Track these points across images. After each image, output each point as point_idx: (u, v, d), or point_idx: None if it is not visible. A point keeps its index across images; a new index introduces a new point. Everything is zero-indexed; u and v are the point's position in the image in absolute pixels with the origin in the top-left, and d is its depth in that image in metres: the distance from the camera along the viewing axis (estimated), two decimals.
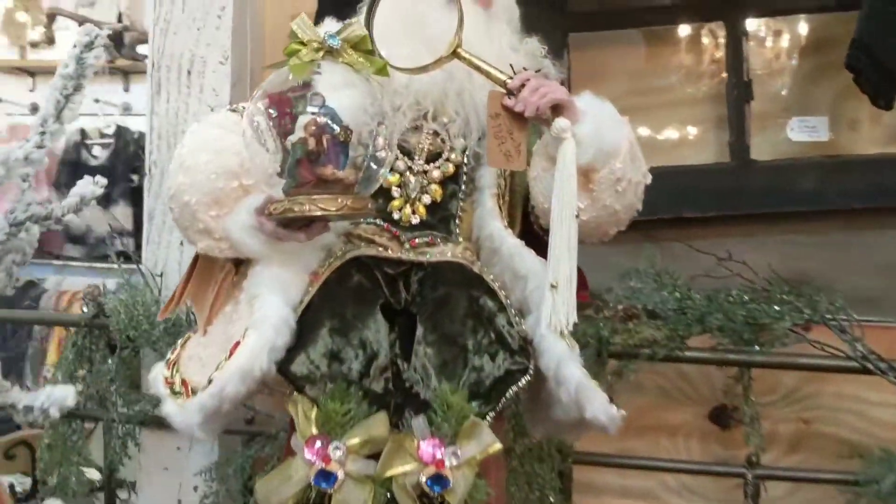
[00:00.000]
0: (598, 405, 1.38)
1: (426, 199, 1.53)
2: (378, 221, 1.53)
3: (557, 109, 1.42)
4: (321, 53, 1.33)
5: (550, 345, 1.40)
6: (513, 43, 1.61)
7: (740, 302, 2.04)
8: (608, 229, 1.54)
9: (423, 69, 1.46)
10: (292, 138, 1.32)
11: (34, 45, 5.26)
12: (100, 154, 4.98)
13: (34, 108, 5.28)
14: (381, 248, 1.51)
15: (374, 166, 1.38)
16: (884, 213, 2.25)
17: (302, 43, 1.33)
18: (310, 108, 1.32)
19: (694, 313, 2.00)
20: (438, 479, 1.28)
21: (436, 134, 1.55)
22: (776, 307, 1.98)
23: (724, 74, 2.35)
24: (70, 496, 2.37)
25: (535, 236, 1.58)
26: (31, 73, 5.29)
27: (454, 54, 1.46)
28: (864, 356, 1.90)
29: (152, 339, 2.19)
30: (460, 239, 1.55)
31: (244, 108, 1.45)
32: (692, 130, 2.36)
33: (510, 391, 1.40)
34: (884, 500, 1.75)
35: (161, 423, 2.30)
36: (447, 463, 1.28)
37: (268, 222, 1.37)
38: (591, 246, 1.58)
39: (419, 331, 1.41)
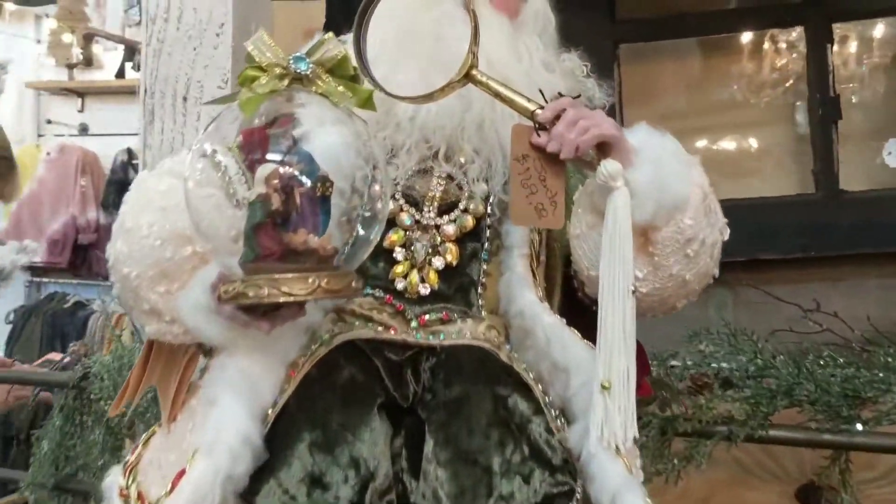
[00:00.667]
0: None
1: (438, 262, 1.20)
2: (377, 293, 1.21)
3: (604, 148, 1.09)
4: (286, 81, 1.01)
5: (603, 467, 1.06)
6: (546, 60, 1.28)
7: (833, 365, 1.68)
8: (675, 303, 1.19)
9: (429, 97, 1.14)
10: (249, 194, 1.00)
11: (71, 66, 5.25)
12: None
13: (83, 129, 5.30)
14: (380, 329, 1.19)
15: (363, 231, 1.05)
16: None
17: (261, 68, 1.01)
18: (273, 155, 1.00)
19: (779, 383, 1.63)
20: None
21: (450, 178, 1.23)
22: (880, 373, 1.61)
23: (805, 89, 1.98)
24: None
25: (581, 306, 1.24)
26: (80, 93, 5.35)
27: (467, 77, 1.13)
28: None
29: (139, 409, 1.90)
30: (483, 313, 1.22)
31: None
32: (767, 156, 2.00)
33: None
34: None
35: None
36: None
37: (226, 306, 1.06)
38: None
39: (429, 445, 1.08)
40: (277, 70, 1.00)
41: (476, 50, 1.12)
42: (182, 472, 1.06)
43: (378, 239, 1.09)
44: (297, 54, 1.01)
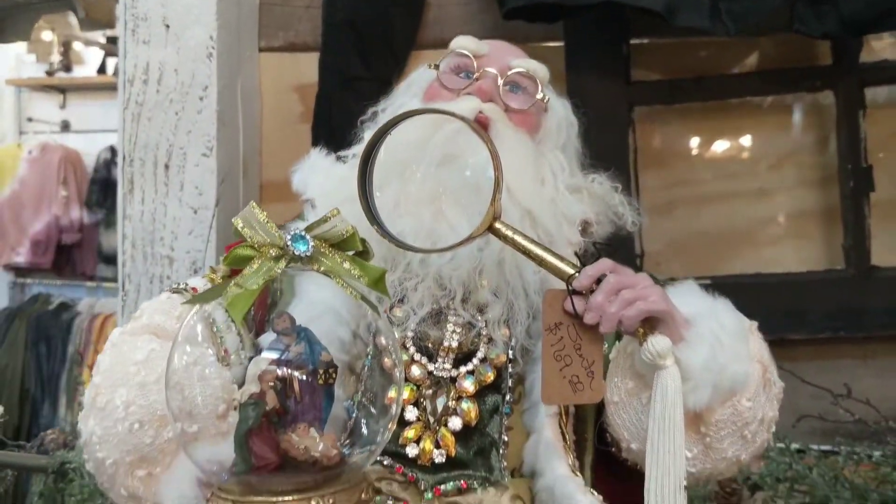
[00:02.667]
0: None
1: (455, 423, 1.06)
2: (385, 460, 1.08)
3: (650, 321, 0.95)
4: (283, 263, 0.86)
5: None
6: (572, 182, 1.14)
7: (867, 459, 1.58)
8: (720, 475, 1.06)
9: (447, 250, 1.00)
10: (239, 395, 0.86)
11: (51, 73, 5.10)
12: None
13: (65, 126, 5.16)
14: (390, 502, 1.06)
15: (373, 419, 0.92)
16: None
17: (253, 248, 0.87)
18: (269, 353, 0.86)
19: (814, 497, 1.52)
20: None
21: (469, 326, 1.09)
22: None
23: (834, 156, 1.85)
24: None
25: (613, 463, 1.11)
26: (61, 90, 5.19)
27: (490, 230, 0.99)
28: None
29: None
30: (506, 478, 1.09)
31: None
32: (794, 229, 1.87)
33: None
34: None
35: None
36: None
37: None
38: None
39: None
40: (272, 252, 0.85)
41: (499, 197, 0.97)
42: None
43: (395, 416, 0.96)
44: (296, 231, 0.86)
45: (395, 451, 1.07)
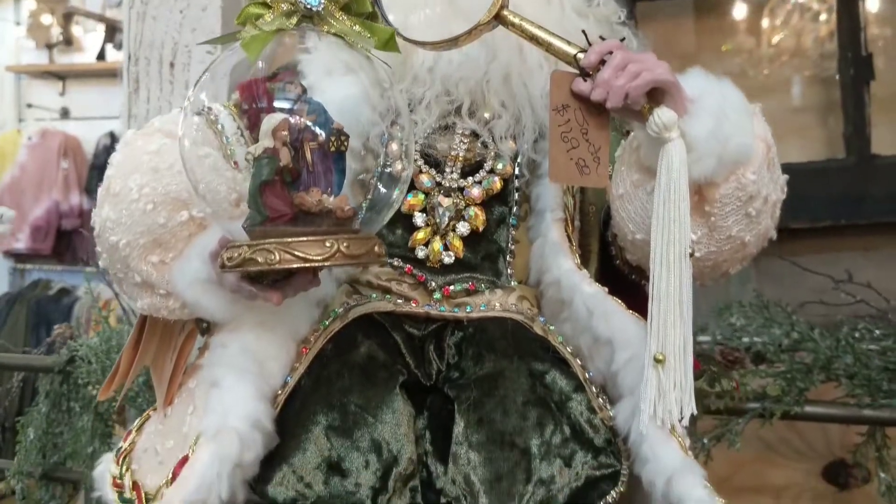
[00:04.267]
0: None
1: (463, 228, 1.08)
2: (396, 262, 1.09)
3: (656, 96, 0.96)
4: (294, 19, 0.88)
5: (656, 447, 0.95)
6: (578, 5, 1.16)
7: (870, 337, 1.59)
8: (729, 268, 1.08)
9: (453, 42, 1.01)
10: (254, 150, 0.87)
11: (50, 46, 5.12)
12: None
13: (64, 113, 5.18)
14: (400, 301, 1.07)
15: (384, 189, 0.94)
16: None
17: (265, 4, 0.88)
18: (281, 103, 0.87)
19: (816, 357, 1.53)
20: None
21: (474, 136, 1.10)
22: None
23: (836, 47, 1.87)
24: None
25: (619, 276, 1.13)
26: (61, 76, 5.20)
27: (497, 19, 1.00)
28: None
29: (130, 393, 1.78)
30: (513, 282, 1.11)
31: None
32: (796, 119, 1.89)
33: None
34: None
35: None
36: None
37: (229, 276, 0.94)
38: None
39: (459, 426, 0.97)
40: (284, 6, 0.87)
41: None
42: (184, 460, 0.95)
43: (402, 200, 0.97)
44: None
45: (405, 254, 1.09)
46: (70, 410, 2.00)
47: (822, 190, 1.82)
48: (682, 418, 0.93)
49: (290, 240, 0.85)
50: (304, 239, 0.85)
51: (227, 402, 0.94)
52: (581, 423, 0.98)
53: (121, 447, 1.18)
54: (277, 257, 0.84)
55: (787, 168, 1.89)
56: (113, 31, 5.04)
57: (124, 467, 1.13)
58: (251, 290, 0.93)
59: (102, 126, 5.05)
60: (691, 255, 0.93)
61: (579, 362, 1.04)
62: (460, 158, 1.09)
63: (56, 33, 5.24)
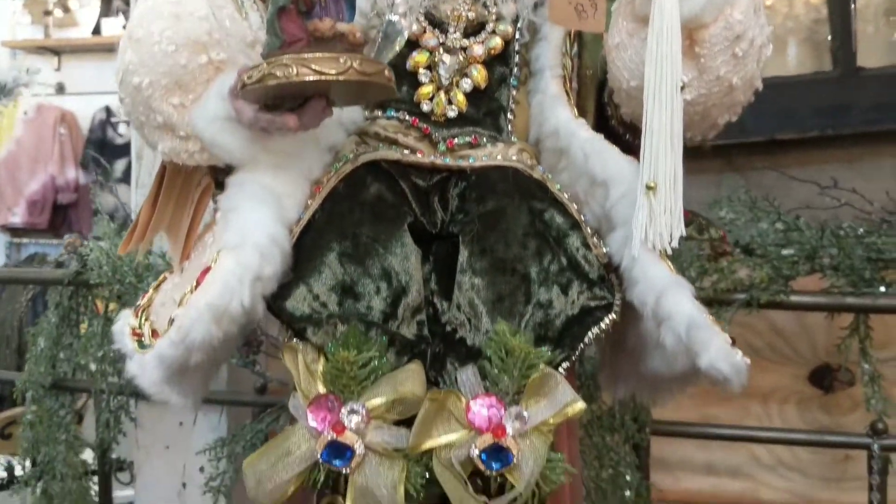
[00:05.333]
0: (718, 350, 1.00)
1: (466, 84, 1.14)
2: (402, 115, 1.16)
3: None
4: None
5: (647, 269, 1.02)
6: None
7: (854, 235, 1.65)
8: (718, 116, 1.14)
9: None
10: None
11: (48, 12, 5.14)
12: (125, 132, 4.90)
13: (60, 88, 5.20)
14: (406, 151, 1.14)
15: (391, 32, 1.00)
16: None
17: None
18: None
19: (801, 248, 1.60)
20: (497, 453, 0.91)
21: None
22: None
23: None
24: (57, 479, 2.05)
25: (615, 137, 1.19)
26: (56, 52, 5.24)
27: None
28: None
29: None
30: (514, 138, 1.17)
31: None
32: (783, 33, 1.95)
33: (589, 334, 1.03)
34: None
35: None
36: (509, 429, 0.91)
37: (247, 108, 1.00)
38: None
39: (463, 255, 1.03)
40: None
41: None
42: (206, 270, 1.01)
43: (404, 40, 1.03)
44: None
45: (410, 108, 1.15)
46: (79, 323, 2.06)
47: (809, 102, 1.89)
48: (671, 240, 0.99)
49: (306, 55, 0.91)
50: (320, 55, 0.92)
51: (246, 221, 1.01)
52: (577, 257, 1.05)
53: (139, 304, 1.24)
54: (295, 71, 0.91)
55: (776, 82, 1.96)
56: (109, 5, 5.07)
57: (143, 318, 1.19)
58: (268, 118, 0.99)
59: (98, 101, 5.09)
60: (682, 88, 1.00)
61: (575, 206, 1.11)
62: (463, 18, 1.15)
63: (52, 6, 5.25)
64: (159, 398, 1.09)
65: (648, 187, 0.99)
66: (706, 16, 1.02)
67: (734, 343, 1.05)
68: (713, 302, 1.62)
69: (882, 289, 1.59)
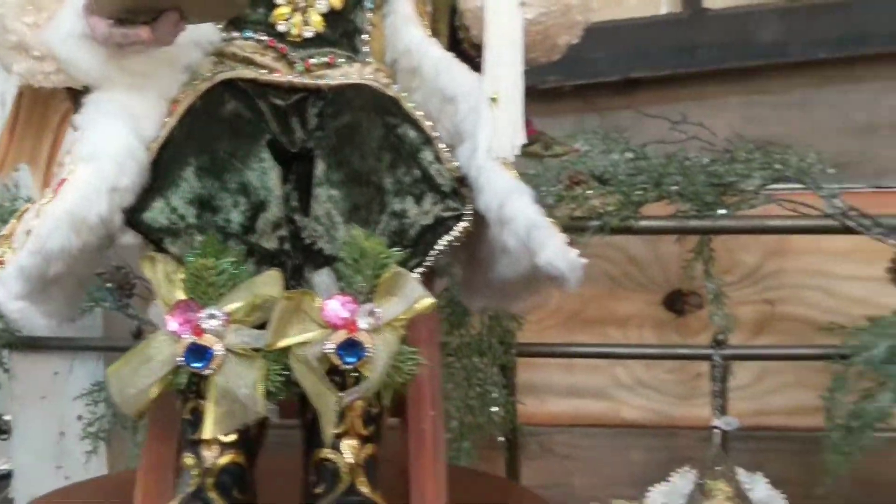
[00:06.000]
0: (555, 248, 1.08)
1: (322, 5, 1.18)
2: (259, 36, 1.18)
3: None
4: None
5: (491, 177, 1.09)
6: None
7: (702, 165, 1.77)
8: (558, 37, 1.22)
9: None
10: None
11: None
12: None
13: None
14: (264, 71, 1.16)
15: None
16: (857, 63, 1.99)
17: None
18: None
19: (649, 176, 1.71)
20: (351, 347, 0.96)
21: None
22: (741, 165, 1.72)
23: None
24: None
25: (468, 59, 1.25)
26: None
27: None
28: (843, 213, 1.65)
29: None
30: (370, 59, 1.22)
31: None
32: None
33: (441, 242, 1.09)
34: (877, 368, 1.52)
35: (32, 345, 1.96)
36: (361, 325, 0.97)
37: (100, 23, 1.00)
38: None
39: (319, 168, 1.08)
40: None
41: None
42: (62, 182, 1.02)
43: None
44: None
45: (267, 30, 1.18)
46: None
47: (660, 43, 2.00)
48: (513, 149, 1.07)
49: None
50: None
51: (101, 135, 1.02)
52: (430, 170, 1.11)
53: (2, 234, 1.23)
54: None
55: (630, 23, 2.06)
56: None
57: (6, 247, 1.18)
58: (122, 31, 1.00)
59: None
60: (522, 3, 1.06)
61: (430, 123, 1.17)
62: None
63: None
64: (23, 320, 1.10)
65: (492, 99, 1.06)
66: None
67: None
68: (569, 229, 1.72)
69: (722, 211, 1.71)
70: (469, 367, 1.68)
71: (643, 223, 1.73)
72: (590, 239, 1.76)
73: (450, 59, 1.17)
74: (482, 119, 1.07)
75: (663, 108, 2.00)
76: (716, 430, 1.71)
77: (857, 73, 1.99)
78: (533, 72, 2.02)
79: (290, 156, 1.13)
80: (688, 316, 2.07)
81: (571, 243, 1.75)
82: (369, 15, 1.22)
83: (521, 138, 1.06)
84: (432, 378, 1.20)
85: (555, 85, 2.05)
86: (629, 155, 1.72)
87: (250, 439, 1.05)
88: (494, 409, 1.64)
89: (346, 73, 1.18)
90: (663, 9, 2.02)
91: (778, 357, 1.76)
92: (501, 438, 1.73)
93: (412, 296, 0.99)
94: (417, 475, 1.18)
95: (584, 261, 1.13)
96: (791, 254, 1.99)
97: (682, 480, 1.69)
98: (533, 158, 1.33)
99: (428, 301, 1.00)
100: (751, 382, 1.99)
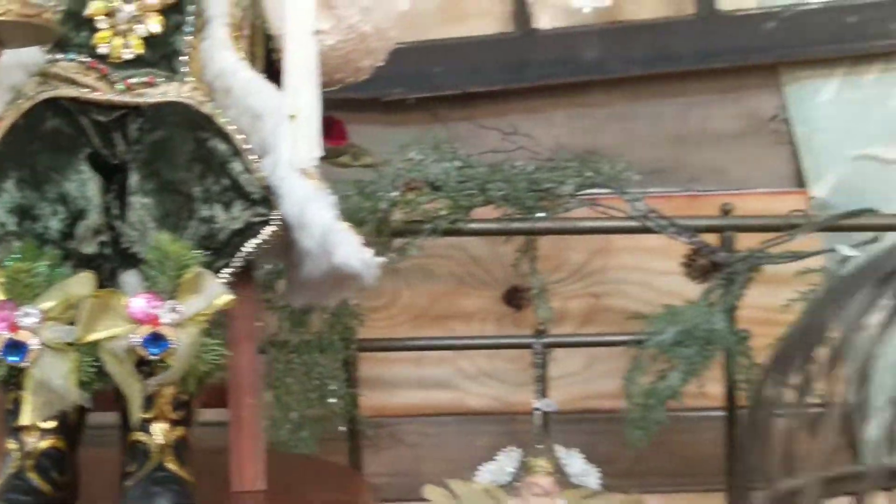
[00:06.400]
0: (349, 248, 1.22)
1: (142, 29, 1.29)
2: (81, 58, 1.28)
3: None
4: None
5: (292, 186, 1.23)
6: None
7: (524, 172, 1.95)
8: (360, 61, 1.36)
9: None
10: None
11: None
12: None
13: None
14: (85, 90, 1.27)
15: None
16: (669, 80, 2.20)
17: None
18: None
19: (476, 183, 1.88)
20: (155, 340, 1.08)
21: None
22: (558, 171, 1.91)
23: None
24: None
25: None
26: None
27: None
28: (644, 215, 1.85)
29: None
30: (188, 79, 1.33)
31: None
32: (477, 3, 2.22)
33: (249, 244, 1.22)
34: (667, 351, 1.72)
35: None
36: (164, 320, 1.08)
37: None
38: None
39: (133, 179, 1.19)
40: None
41: None
42: None
43: None
44: None
45: (89, 52, 1.28)
46: None
47: (495, 59, 2.17)
48: (310, 160, 1.20)
49: None
50: None
51: None
52: (240, 179, 1.23)
53: None
54: None
55: (469, 41, 2.22)
56: None
57: None
58: None
59: None
60: (316, 32, 1.20)
61: (241, 136, 1.29)
62: None
63: None
64: None
65: (291, 116, 1.19)
66: None
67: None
68: (405, 232, 1.88)
69: (541, 214, 1.90)
70: (309, 362, 1.81)
71: (471, 225, 1.90)
72: (435, 241, 1.93)
73: (259, 80, 1.30)
74: (283, 134, 1.20)
75: (498, 120, 2.18)
76: (537, 412, 1.89)
77: (667, 89, 2.21)
78: (377, 85, 2.21)
79: (112, 168, 1.24)
80: (525, 310, 2.24)
81: (407, 245, 1.93)
82: (188, 38, 1.33)
83: (317, 151, 1.20)
84: (250, 370, 1.33)
85: (399, 97, 2.20)
86: (457, 164, 1.88)
87: (69, 426, 1.16)
88: (332, 400, 1.77)
89: (165, 92, 1.29)
90: (497, 28, 2.19)
91: (587, 344, 1.96)
92: (343, 428, 1.86)
93: (212, 294, 1.11)
94: (237, 458, 1.32)
95: (380, 259, 1.27)
96: (614, 252, 2.20)
97: (508, 459, 1.86)
98: (343, 168, 1.46)
99: (226, 298, 1.12)
100: (580, 370, 2.18)
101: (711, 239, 1.90)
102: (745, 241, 1.89)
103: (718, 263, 1.79)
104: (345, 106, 2.17)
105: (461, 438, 2.20)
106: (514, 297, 2.24)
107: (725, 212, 1.88)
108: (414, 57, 2.16)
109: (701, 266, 1.80)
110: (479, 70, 2.18)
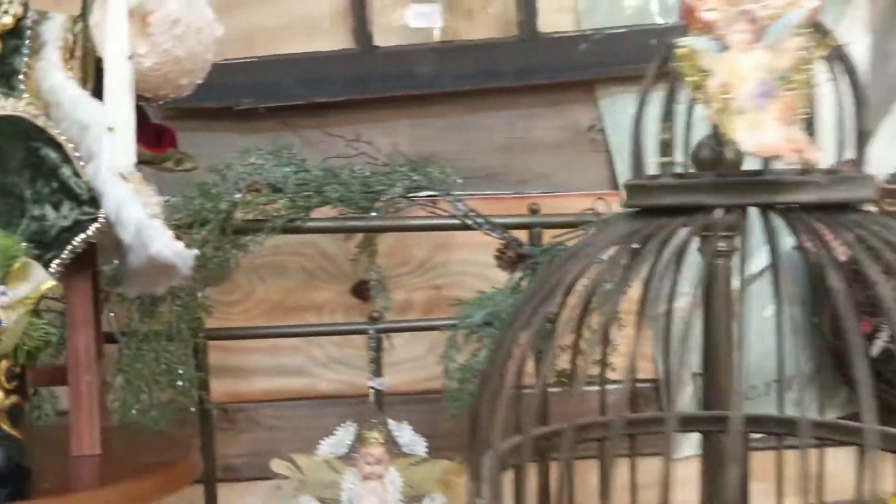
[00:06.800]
0: (163, 241, 1.41)
1: None
2: None
3: None
4: None
5: (110, 189, 1.41)
6: None
7: (361, 176, 2.17)
8: (178, 80, 1.55)
9: None
10: None
11: None
12: None
13: None
14: None
15: None
16: (498, 94, 2.45)
17: None
18: None
19: (313, 185, 2.09)
20: None
21: None
22: (387, 174, 2.13)
23: None
24: None
25: None
26: None
27: None
28: (465, 214, 2.09)
29: None
30: (24, 95, 1.51)
31: None
32: (321, 21, 2.43)
33: (77, 239, 1.40)
34: (476, 331, 1.96)
35: None
36: None
37: None
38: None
39: None
40: None
41: None
42: None
43: None
44: None
45: None
46: None
47: (341, 73, 2.38)
48: (127, 166, 1.40)
49: None
50: None
51: None
52: (69, 183, 1.42)
53: None
54: None
55: (316, 55, 2.43)
56: None
57: None
58: None
59: None
60: (131, 57, 1.40)
61: (71, 145, 1.47)
62: None
63: None
64: None
65: (110, 129, 1.39)
66: (148, 4, 1.43)
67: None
68: (247, 230, 2.07)
69: (373, 213, 2.12)
70: (158, 349, 1.99)
71: (310, 224, 2.11)
72: (287, 239, 2.15)
73: (84, 96, 1.49)
74: (103, 144, 1.39)
75: (345, 129, 2.40)
76: (371, 390, 2.11)
77: (496, 102, 2.47)
78: (231, 95, 2.40)
79: None
80: (372, 301, 2.46)
81: (249, 241, 2.11)
82: (25, 59, 1.51)
83: (133, 158, 1.40)
84: (87, 350, 1.51)
85: (250, 106, 2.39)
86: (294, 168, 2.09)
87: None
88: (179, 383, 1.95)
89: (3, 107, 1.47)
90: (342, 45, 2.41)
91: (413, 329, 2.19)
92: (192, 409, 2.04)
93: (37, 280, 1.29)
94: (76, 427, 1.51)
95: (192, 251, 1.47)
96: (454, 248, 2.44)
97: (346, 432, 2.07)
98: (168, 172, 1.66)
99: (50, 283, 1.31)
100: (423, 354, 2.41)
101: (523, 235, 2.16)
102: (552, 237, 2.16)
103: (524, 255, 2.04)
104: (200, 115, 2.39)
105: (314, 420, 2.39)
106: (362, 290, 2.45)
107: (533, 211, 2.14)
108: (265, 70, 2.38)
109: (509, 258, 2.06)
110: (326, 82, 2.39)
